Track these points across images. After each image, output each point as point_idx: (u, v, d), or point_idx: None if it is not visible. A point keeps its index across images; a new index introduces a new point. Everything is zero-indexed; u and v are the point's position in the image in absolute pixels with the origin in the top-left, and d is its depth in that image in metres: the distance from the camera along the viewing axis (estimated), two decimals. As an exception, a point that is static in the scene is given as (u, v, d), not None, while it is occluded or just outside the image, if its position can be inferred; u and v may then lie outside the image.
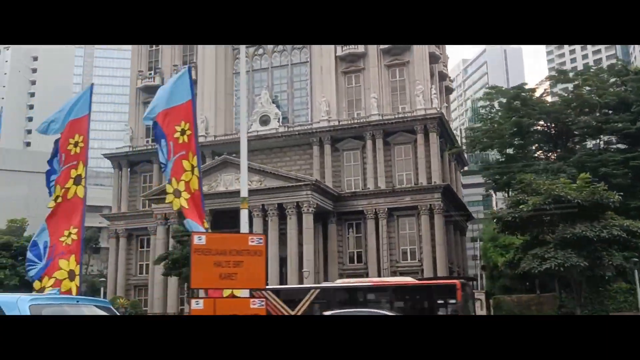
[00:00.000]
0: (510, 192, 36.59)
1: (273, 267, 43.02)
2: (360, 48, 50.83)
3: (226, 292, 8.71)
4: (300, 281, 42.83)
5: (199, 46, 55.69)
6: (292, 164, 51.31)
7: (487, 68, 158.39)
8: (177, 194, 9.81)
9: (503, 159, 41.45)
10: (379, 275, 44.63)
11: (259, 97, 53.61)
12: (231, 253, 8.75)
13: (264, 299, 8.80)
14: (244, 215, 11.01)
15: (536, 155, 42.44)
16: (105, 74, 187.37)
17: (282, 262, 43.71)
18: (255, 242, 8.65)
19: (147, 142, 56.70)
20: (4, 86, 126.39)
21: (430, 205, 45.62)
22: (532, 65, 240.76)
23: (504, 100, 41.26)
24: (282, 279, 43.45)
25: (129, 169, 55.74)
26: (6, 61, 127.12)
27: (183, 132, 9.72)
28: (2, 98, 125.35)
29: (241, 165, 11.34)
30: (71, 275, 10.05)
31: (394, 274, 45.28)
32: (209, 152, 52.50)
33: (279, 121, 52.27)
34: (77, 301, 7.33)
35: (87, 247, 68.02)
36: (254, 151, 50.36)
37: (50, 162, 10.72)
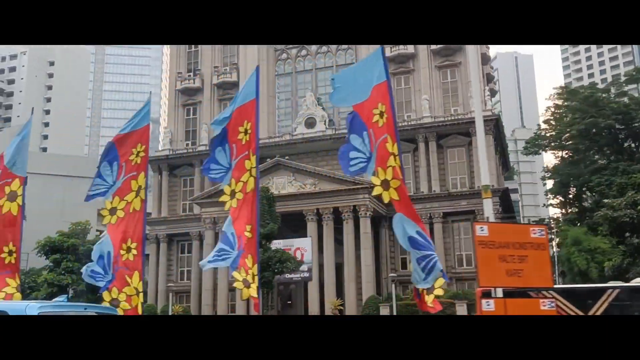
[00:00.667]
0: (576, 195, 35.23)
1: (329, 274, 41.68)
2: (410, 49, 49.71)
3: None
4: (359, 288, 41.50)
5: (240, 47, 54.61)
6: (339, 168, 50.03)
7: (498, 74, 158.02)
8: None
9: (569, 161, 40.16)
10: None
11: (304, 99, 52.39)
12: (514, 246, 7.49)
13: (554, 300, 7.78)
14: (487, 205, 9.84)
15: (597, 157, 41.26)
16: (116, 80, 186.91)
17: (338, 268, 42.29)
18: (538, 234, 7.60)
19: (187, 145, 55.54)
20: (20, 91, 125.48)
21: (488, 209, 44.24)
22: (542, 70, 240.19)
23: (570, 102, 40.03)
24: (339, 286, 42.02)
25: (168, 173, 54.41)
26: (23, 66, 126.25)
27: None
28: (20, 103, 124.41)
29: (479, 152, 10.10)
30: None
31: (451, 280, 43.96)
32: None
33: (325, 123, 51.03)
34: (85, 308, 7.47)
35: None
36: (299, 154, 49.25)
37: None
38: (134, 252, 10.08)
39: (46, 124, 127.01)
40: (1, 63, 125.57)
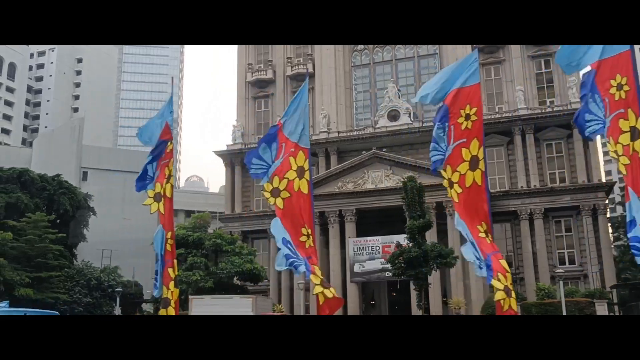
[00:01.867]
0: None
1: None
2: (500, 38, 47.54)
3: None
4: (467, 286, 39.35)
5: (315, 37, 52.44)
6: (426, 162, 47.86)
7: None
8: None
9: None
10: (537, 281, 41.13)
11: (386, 91, 50.21)
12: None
13: None
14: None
15: None
16: (134, 79, 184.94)
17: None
18: None
19: (260, 138, 53.30)
20: (49, 88, 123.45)
21: (594, 205, 42.12)
22: None
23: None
24: (444, 285, 39.82)
25: (241, 168, 52.20)
26: (51, 62, 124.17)
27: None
28: (48, 100, 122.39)
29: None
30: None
31: (552, 279, 41.79)
32: (333, 149, 49.15)
33: (409, 116, 48.87)
34: (25, 313, 7.84)
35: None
36: (381, 148, 47.08)
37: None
38: (310, 243, 9.10)
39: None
40: (29, 60, 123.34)
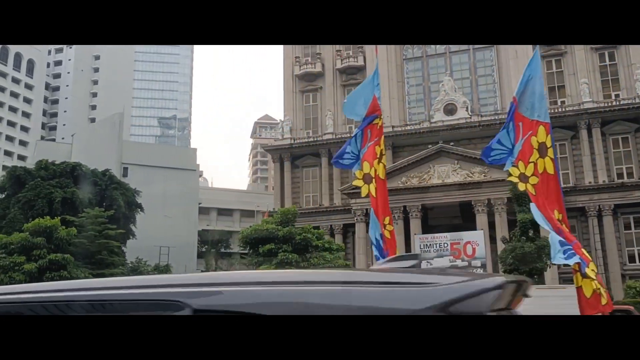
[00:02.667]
0: None
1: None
2: (562, 30, 46.22)
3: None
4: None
5: (365, 30, 51.10)
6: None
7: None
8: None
9: None
10: (607, 281, 39.78)
11: (442, 85, 48.84)
12: None
13: None
14: None
15: None
16: (145, 77, 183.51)
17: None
18: None
19: (308, 133, 52.03)
20: (67, 85, 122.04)
21: (667, 201, 40.83)
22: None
23: None
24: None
25: (290, 163, 50.88)
26: (69, 60, 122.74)
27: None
28: (66, 98, 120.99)
29: None
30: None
31: (623, 277, 40.53)
32: (388, 143, 47.70)
33: (467, 110, 47.50)
34: None
35: (217, 251, 63.15)
36: (436, 142, 45.73)
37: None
38: (565, 228, 8.26)
39: (92, 120, 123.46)
40: (47, 57, 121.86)
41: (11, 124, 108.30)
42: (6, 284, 30.70)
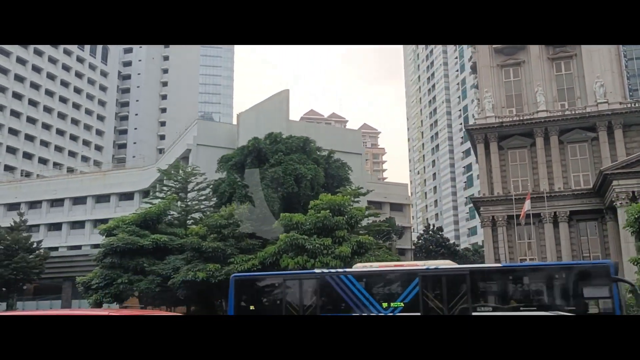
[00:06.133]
0: None
1: None
2: None
3: None
4: None
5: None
6: None
7: None
8: None
9: None
10: None
11: None
12: None
13: None
14: None
15: None
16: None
17: None
18: None
19: (511, 111, 47.13)
20: (139, 74, 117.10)
21: None
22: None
23: None
24: None
25: (496, 144, 45.95)
26: (139, 60, 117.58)
27: None
28: (138, 87, 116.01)
29: None
30: None
31: None
32: (618, 122, 42.91)
33: None
34: None
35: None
36: None
37: None
38: None
39: (162, 124, 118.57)
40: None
41: (88, 112, 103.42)
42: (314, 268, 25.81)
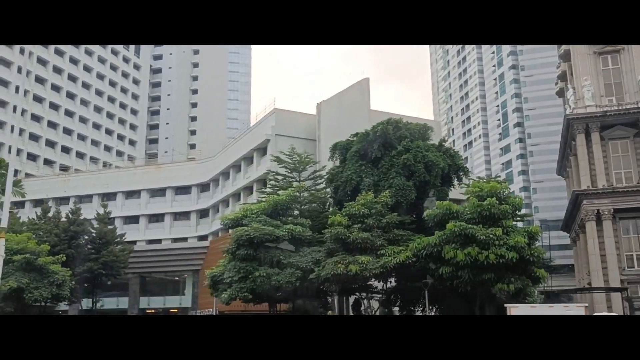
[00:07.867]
0: None
1: None
2: None
3: None
4: None
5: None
6: None
7: None
8: None
9: None
10: None
11: None
12: None
13: None
14: None
15: None
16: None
17: None
18: None
19: (611, 100, 45.11)
20: (169, 80, 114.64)
21: None
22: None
23: None
24: None
25: (598, 134, 43.94)
26: (170, 54, 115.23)
27: None
28: (169, 95, 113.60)
29: None
30: None
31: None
32: None
33: None
34: None
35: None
36: None
37: None
38: None
39: (193, 118, 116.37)
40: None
41: (122, 105, 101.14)
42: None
